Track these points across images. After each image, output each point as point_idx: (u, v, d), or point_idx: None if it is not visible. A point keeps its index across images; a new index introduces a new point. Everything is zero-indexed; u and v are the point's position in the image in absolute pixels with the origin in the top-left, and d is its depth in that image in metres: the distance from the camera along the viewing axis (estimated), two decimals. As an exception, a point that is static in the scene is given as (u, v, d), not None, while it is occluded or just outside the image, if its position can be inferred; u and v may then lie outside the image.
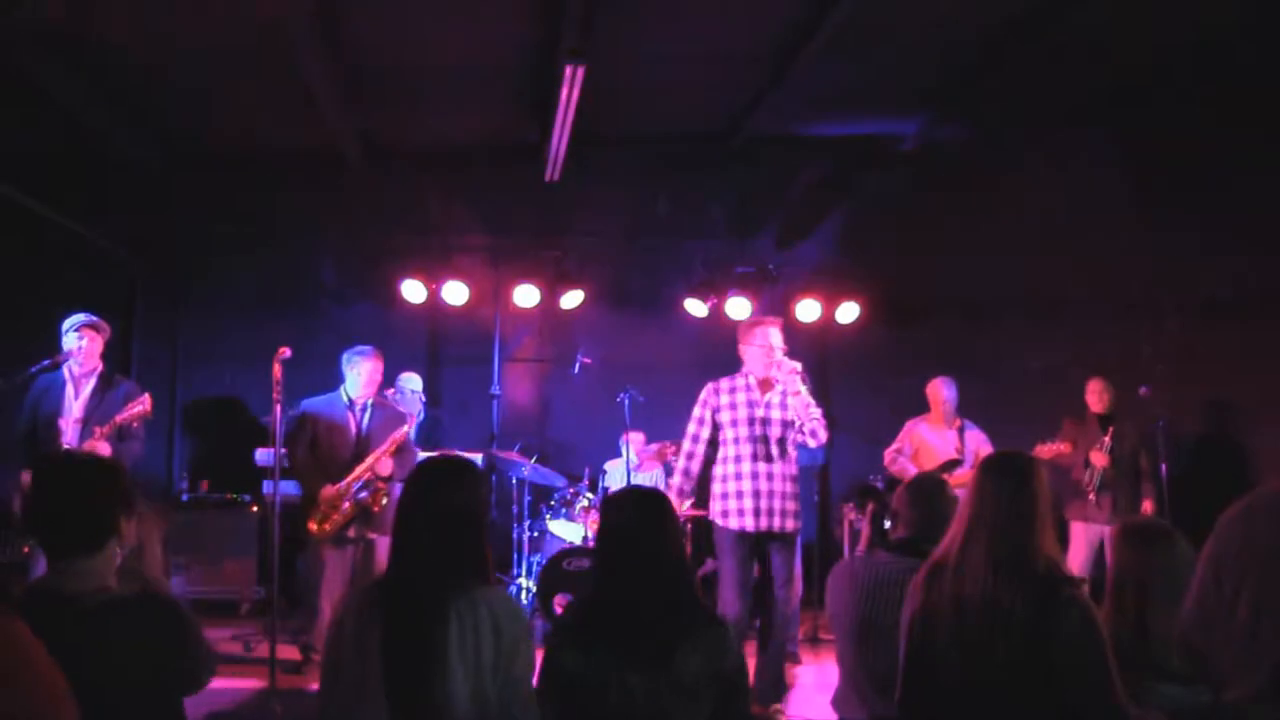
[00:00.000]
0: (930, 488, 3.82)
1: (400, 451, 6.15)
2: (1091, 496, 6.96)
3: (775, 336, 5.32)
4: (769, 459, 5.22)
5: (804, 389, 5.20)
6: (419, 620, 2.56)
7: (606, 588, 2.81)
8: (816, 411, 5.21)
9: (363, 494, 6.00)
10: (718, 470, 5.34)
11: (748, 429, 5.25)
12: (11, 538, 5.59)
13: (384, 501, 5.97)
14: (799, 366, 5.23)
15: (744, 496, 5.19)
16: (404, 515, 2.74)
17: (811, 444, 5.27)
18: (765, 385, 5.33)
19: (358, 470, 5.99)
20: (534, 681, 2.67)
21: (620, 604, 2.74)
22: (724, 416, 5.33)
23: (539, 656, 2.71)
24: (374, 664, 2.54)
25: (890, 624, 3.51)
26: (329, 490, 5.98)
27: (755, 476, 5.20)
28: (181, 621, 2.46)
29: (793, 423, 5.24)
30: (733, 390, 5.36)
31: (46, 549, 2.41)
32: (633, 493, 3.06)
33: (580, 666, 2.66)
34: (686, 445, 5.44)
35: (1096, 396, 7.14)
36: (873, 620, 3.56)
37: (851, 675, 3.66)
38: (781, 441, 5.25)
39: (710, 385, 5.46)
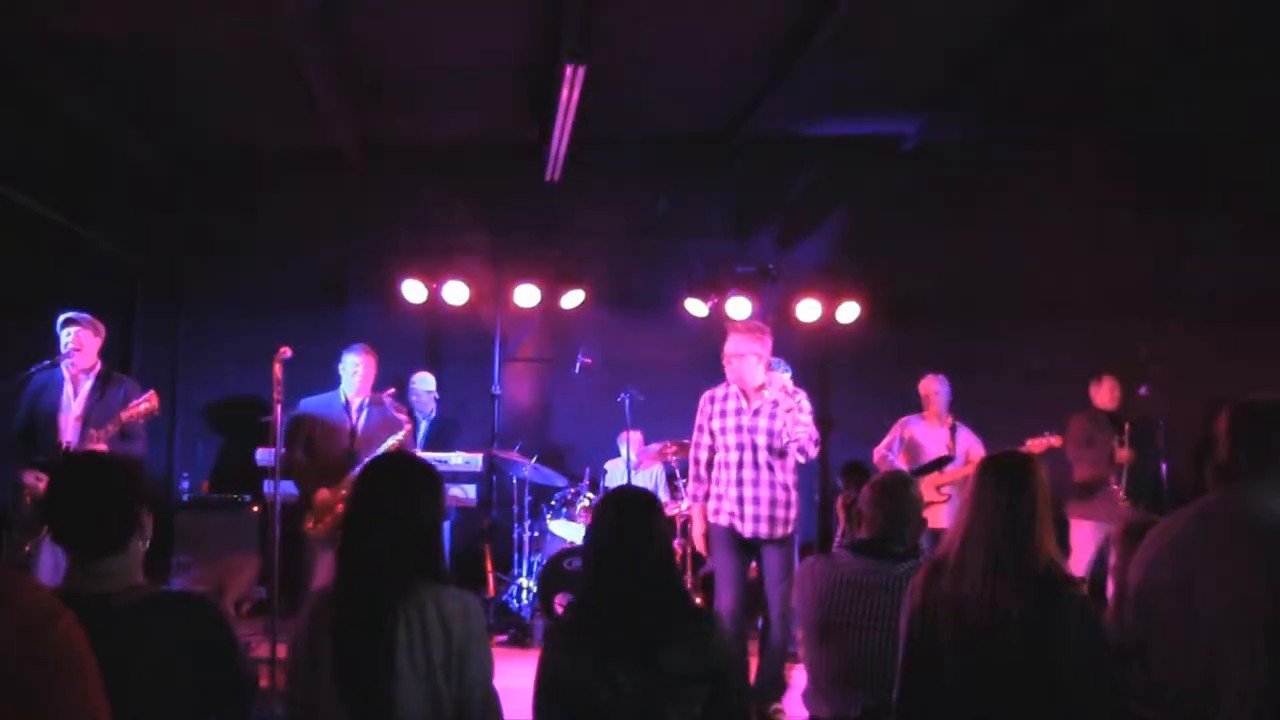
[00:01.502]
0: (894, 488, 3.80)
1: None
2: (1120, 494, 6.94)
3: (730, 343, 5.31)
4: (756, 467, 5.22)
5: (792, 401, 5.18)
6: (366, 623, 2.54)
7: (592, 589, 2.83)
8: (803, 431, 5.14)
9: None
10: (714, 474, 5.38)
11: (735, 437, 5.26)
12: (14, 537, 5.57)
13: None
14: (788, 381, 5.26)
15: (731, 502, 5.24)
16: (348, 517, 2.71)
17: (800, 459, 5.23)
18: (752, 394, 5.32)
19: (353, 476, 6.00)
20: (492, 679, 2.64)
21: (604, 604, 2.75)
22: (715, 425, 5.36)
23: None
24: (325, 667, 2.53)
25: (848, 624, 3.54)
26: (324, 494, 6.00)
27: (741, 484, 5.22)
28: (223, 623, 2.38)
29: (780, 436, 5.20)
30: (724, 399, 5.37)
31: (70, 551, 2.36)
32: (616, 494, 3.06)
33: (571, 668, 2.67)
34: (693, 452, 5.49)
35: (1108, 393, 7.12)
36: (832, 620, 3.58)
37: (816, 674, 3.67)
38: (770, 450, 5.22)
39: (706, 394, 5.48)
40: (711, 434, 5.38)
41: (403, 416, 6.26)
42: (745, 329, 5.36)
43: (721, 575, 5.19)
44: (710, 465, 5.39)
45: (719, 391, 5.41)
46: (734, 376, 5.31)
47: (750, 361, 5.23)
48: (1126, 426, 6.96)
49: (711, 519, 5.31)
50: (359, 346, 6.27)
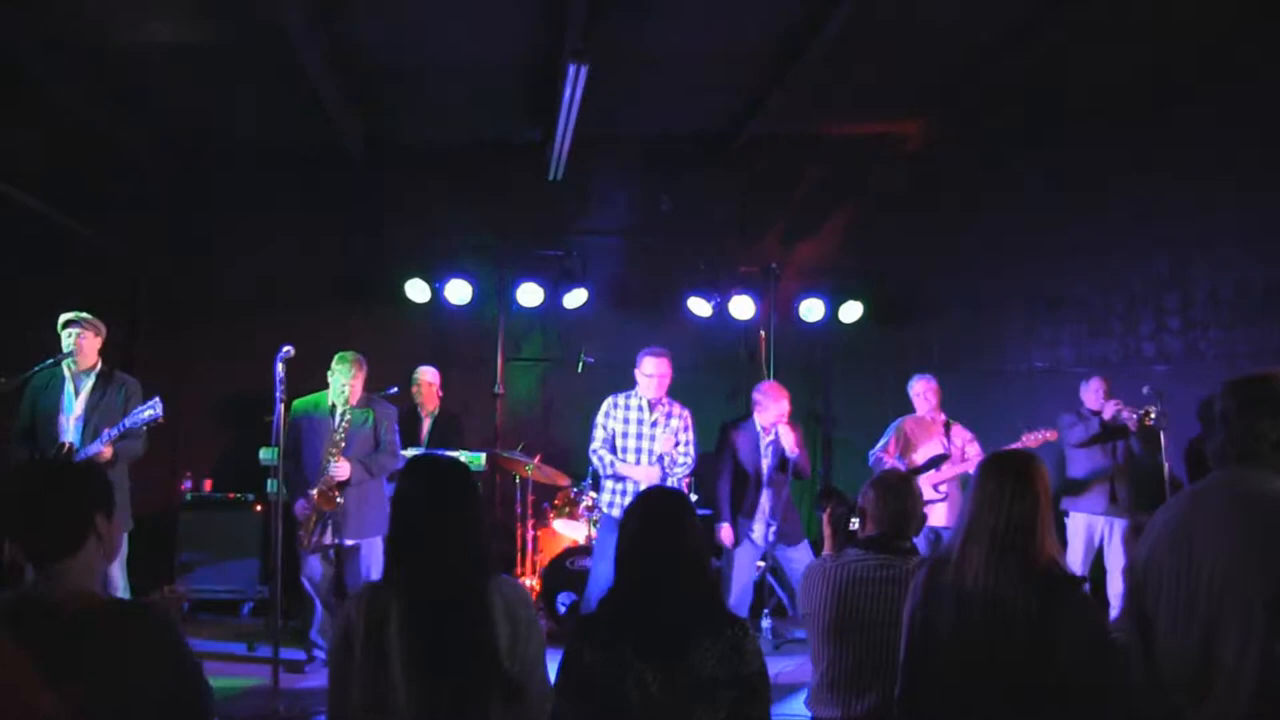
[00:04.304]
0: (896, 484, 3.83)
1: (376, 450, 6.20)
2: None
3: (648, 365, 6.36)
4: (650, 467, 6.29)
5: (682, 436, 6.43)
6: (448, 611, 2.65)
7: (625, 585, 2.82)
8: (686, 461, 6.43)
9: (325, 509, 6.02)
10: (612, 456, 6.37)
11: (635, 442, 6.34)
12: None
13: (338, 502, 5.97)
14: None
15: (626, 496, 6.25)
16: (411, 512, 2.80)
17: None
18: (653, 407, 6.38)
19: (322, 480, 6.02)
20: (545, 664, 2.76)
21: (639, 603, 2.75)
22: (617, 428, 6.39)
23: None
24: (397, 662, 2.59)
25: (863, 622, 3.55)
26: (301, 509, 6.07)
27: (636, 481, 6.23)
28: (175, 633, 2.32)
29: (669, 444, 6.31)
30: (627, 408, 6.42)
31: (27, 555, 2.30)
32: (649, 493, 3.08)
33: (599, 663, 2.67)
34: (594, 445, 6.44)
35: (1094, 394, 7.14)
36: (846, 618, 3.58)
37: (826, 674, 3.67)
38: (656, 456, 6.31)
39: (610, 398, 6.49)
40: (611, 432, 6.39)
41: (376, 405, 6.34)
42: (658, 354, 6.41)
43: (604, 556, 6.08)
44: (612, 451, 6.40)
45: (621, 399, 6.46)
46: (646, 391, 6.36)
47: (663, 381, 6.37)
48: (1100, 425, 6.97)
49: (605, 510, 6.41)
50: (350, 356, 6.24)
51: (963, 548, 2.89)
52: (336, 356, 6.25)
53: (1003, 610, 2.75)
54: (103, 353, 5.98)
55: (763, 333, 8.57)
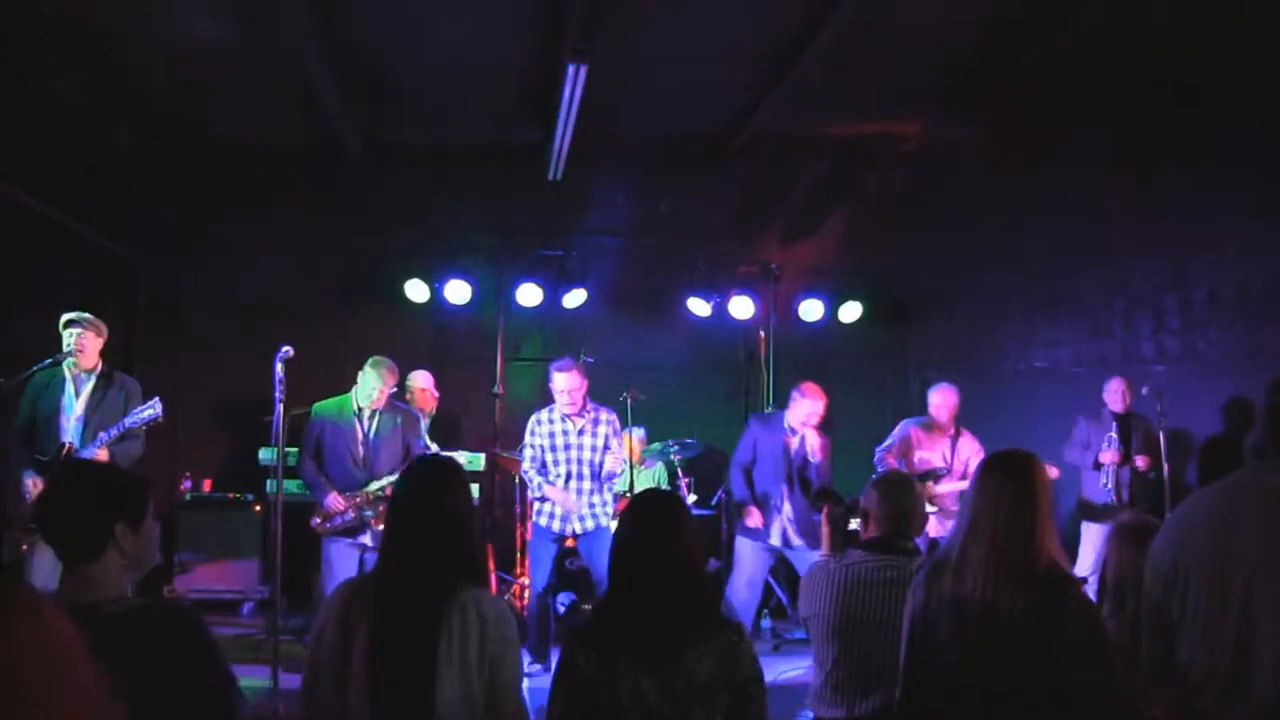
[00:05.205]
0: (897, 484, 3.84)
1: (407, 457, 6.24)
2: (1111, 496, 6.95)
3: (557, 381, 6.42)
4: (580, 478, 6.41)
5: (615, 446, 6.51)
6: (410, 619, 2.58)
7: (620, 590, 2.79)
8: (619, 467, 6.55)
9: (368, 511, 6.07)
10: (540, 479, 6.46)
11: (564, 454, 6.42)
12: (13, 537, 5.59)
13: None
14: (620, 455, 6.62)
15: (551, 503, 6.40)
16: (397, 515, 2.77)
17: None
18: (575, 420, 6.43)
19: (371, 489, 6.06)
20: (521, 686, 2.69)
21: (633, 607, 2.72)
22: (543, 441, 6.45)
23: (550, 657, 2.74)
24: (358, 663, 2.55)
25: (870, 622, 3.55)
26: (334, 502, 6.10)
27: (565, 491, 6.37)
28: (206, 633, 2.36)
29: (598, 450, 6.42)
30: (551, 422, 6.48)
31: (58, 557, 2.36)
32: (649, 496, 3.07)
33: (594, 668, 2.65)
34: (525, 464, 6.52)
35: (1117, 396, 7.10)
36: (851, 619, 3.58)
37: (831, 675, 3.67)
38: (586, 464, 6.41)
39: (534, 416, 6.58)
40: (539, 449, 6.46)
41: (415, 415, 6.37)
42: (564, 368, 6.42)
43: (539, 563, 6.46)
44: (543, 466, 6.48)
45: (545, 415, 6.53)
46: (562, 406, 6.42)
47: (576, 394, 6.40)
48: (1115, 429, 6.95)
49: (535, 518, 6.54)
50: (386, 363, 6.29)
51: (962, 548, 2.88)
52: (370, 361, 6.30)
53: (1002, 610, 2.74)
54: (103, 353, 5.98)
55: (762, 333, 8.57)
